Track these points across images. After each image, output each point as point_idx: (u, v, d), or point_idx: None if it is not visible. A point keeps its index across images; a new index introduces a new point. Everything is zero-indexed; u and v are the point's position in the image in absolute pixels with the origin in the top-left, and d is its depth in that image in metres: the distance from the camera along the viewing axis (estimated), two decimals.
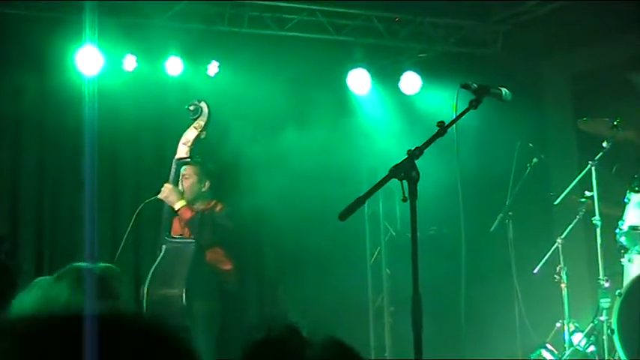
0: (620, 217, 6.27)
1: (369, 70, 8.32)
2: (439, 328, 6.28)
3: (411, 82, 8.47)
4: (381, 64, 8.76)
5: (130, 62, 7.57)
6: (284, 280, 8.62)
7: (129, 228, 6.37)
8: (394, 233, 8.92)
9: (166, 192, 6.17)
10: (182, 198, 6.19)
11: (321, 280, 8.22)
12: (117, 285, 3.42)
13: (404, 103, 8.55)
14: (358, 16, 8.10)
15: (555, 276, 6.69)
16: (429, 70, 8.47)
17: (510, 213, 6.99)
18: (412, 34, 8.43)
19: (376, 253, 9.04)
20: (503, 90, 4.24)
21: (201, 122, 6.28)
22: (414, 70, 8.50)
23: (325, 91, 8.23)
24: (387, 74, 8.69)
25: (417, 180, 3.63)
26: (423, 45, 8.63)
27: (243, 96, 7.75)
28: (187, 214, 6.15)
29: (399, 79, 8.48)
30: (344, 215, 3.49)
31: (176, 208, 6.16)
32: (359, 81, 8.30)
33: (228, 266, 6.37)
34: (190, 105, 6.33)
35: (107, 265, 3.63)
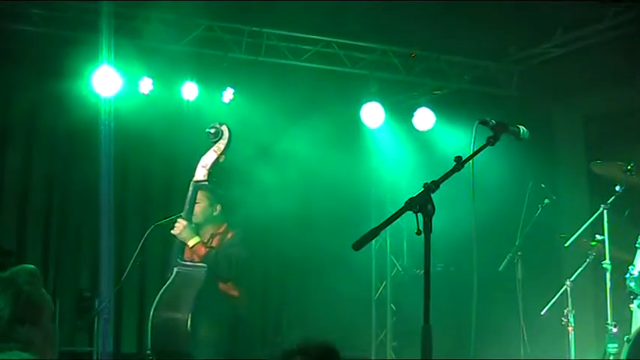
0: (631, 262, 6.21)
1: (382, 104, 8.34)
2: None
3: (424, 117, 8.48)
4: (395, 99, 8.79)
5: (146, 85, 7.60)
6: (287, 310, 8.57)
7: (137, 250, 6.34)
8: (400, 269, 8.88)
9: (180, 228, 6.12)
10: (196, 234, 6.15)
11: (325, 312, 8.17)
12: (29, 286, 3.27)
13: (416, 138, 8.57)
14: (374, 50, 8.14)
15: (563, 319, 6.61)
16: (443, 107, 8.49)
17: (520, 253, 6.93)
18: (427, 70, 8.47)
19: (381, 287, 8.98)
20: (522, 128, 4.22)
21: (220, 145, 6.23)
22: (428, 106, 8.52)
23: (339, 123, 8.25)
24: (400, 109, 8.73)
25: (433, 214, 3.60)
26: (438, 82, 8.66)
27: (256, 124, 7.76)
28: (202, 251, 6.11)
29: (412, 115, 8.50)
30: (358, 245, 3.45)
31: (190, 245, 6.12)
32: (372, 114, 8.32)
33: (235, 292, 6.33)
34: (211, 128, 6.28)
35: (24, 266, 3.47)
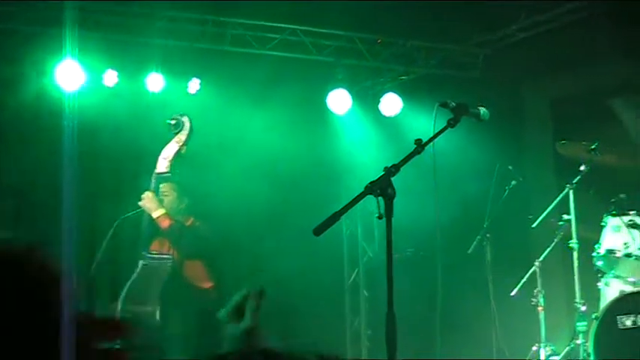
0: (597, 241, 6.28)
1: (349, 91, 8.34)
2: (415, 349, 6.25)
3: (391, 103, 8.49)
4: (362, 85, 8.79)
5: (110, 77, 7.54)
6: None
7: (105, 242, 6.31)
8: (372, 255, 8.90)
9: (146, 200, 6.13)
10: (161, 206, 6.14)
11: (298, 301, 8.16)
12: None
13: (384, 123, 8.57)
14: (340, 37, 8.13)
15: (532, 299, 6.67)
16: (410, 92, 8.50)
17: (488, 235, 6.98)
18: (394, 55, 8.47)
19: (354, 274, 9.00)
20: (481, 109, 4.25)
21: (182, 137, 6.24)
22: (395, 92, 8.53)
23: (306, 110, 8.24)
24: (367, 95, 8.73)
25: (393, 197, 3.61)
26: (405, 67, 8.66)
27: (223, 114, 7.74)
28: (166, 223, 6.11)
29: (379, 101, 8.50)
30: (319, 230, 3.47)
31: (155, 216, 6.10)
32: (339, 101, 8.31)
33: (208, 284, 6.32)
34: (172, 119, 6.29)
35: None
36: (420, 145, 3.87)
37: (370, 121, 8.69)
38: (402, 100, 8.49)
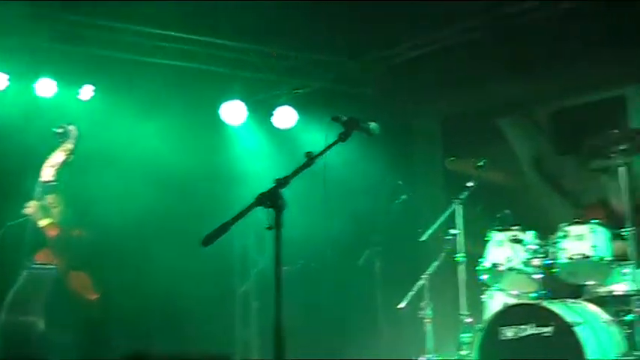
0: (483, 255, 6.46)
1: (245, 102, 8.34)
2: None
3: (285, 116, 8.56)
4: (257, 98, 8.81)
5: (1, 81, 7.33)
6: (150, 314, 8.42)
7: None
8: (263, 266, 8.90)
9: (33, 209, 5.99)
10: (48, 215, 6.01)
11: (187, 311, 8.08)
12: None
13: (278, 136, 8.61)
14: (236, 49, 8.12)
15: (420, 311, 6.81)
16: (305, 105, 8.57)
17: (378, 248, 7.09)
18: (289, 69, 8.52)
19: (245, 285, 8.99)
20: (372, 124, 4.32)
21: (68, 146, 6.13)
22: (290, 105, 8.59)
23: (199, 119, 8.19)
24: (262, 107, 8.75)
25: (283, 209, 3.64)
26: (300, 80, 8.72)
27: (115, 121, 7.62)
28: (53, 232, 5.98)
29: (273, 113, 8.55)
30: (207, 241, 3.47)
31: (41, 225, 5.97)
32: (234, 112, 8.31)
33: (93, 295, 6.21)
34: (58, 128, 6.17)
35: None
36: (311, 158, 3.92)
37: (264, 133, 8.72)
38: (297, 113, 8.55)
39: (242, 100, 8.34)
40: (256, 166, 8.46)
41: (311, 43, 8.17)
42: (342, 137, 4.15)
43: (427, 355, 6.69)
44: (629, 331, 5.93)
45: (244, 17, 7.31)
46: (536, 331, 5.75)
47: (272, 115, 8.54)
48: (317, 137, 7.79)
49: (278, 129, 8.58)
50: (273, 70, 8.46)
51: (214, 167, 8.41)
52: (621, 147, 6.06)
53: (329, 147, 4.06)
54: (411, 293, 6.86)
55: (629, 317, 5.98)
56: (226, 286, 8.84)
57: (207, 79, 8.15)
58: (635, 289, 5.87)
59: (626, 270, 6.07)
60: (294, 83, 8.80)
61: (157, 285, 7.88)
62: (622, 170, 6.10)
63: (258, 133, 8.74)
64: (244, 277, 9.02)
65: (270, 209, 3.62)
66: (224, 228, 3.51)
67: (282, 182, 3.67)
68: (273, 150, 8.59)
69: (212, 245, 3.52)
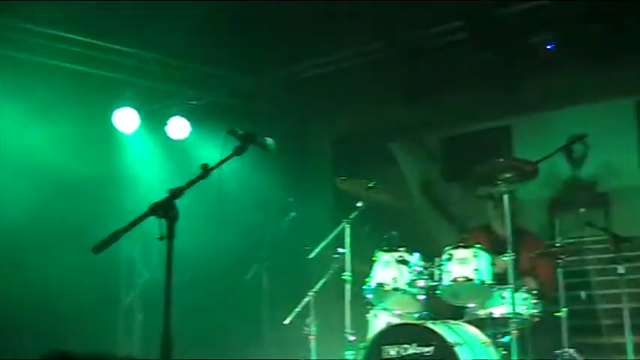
0: (369, 275, 6.55)
1: (138, 111, 8.24)
2: None
3: (178, 126, 8.50)
4: (151, 107, 8.70)
5: None
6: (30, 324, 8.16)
7: None
8: (149, 277, 8.77)
9: None
10: None
11: (68, 321, 7.86)
12: None
13: (170, 146, 8.54)
14: (133, 56, 8.02)
15: (305, 328, 6.84)
16: (199, 117, 8.53)
17: (266, 264, 7.10)
18: (186, 80, 8.47)
19: (130, 297, 8.83)
20: (269, 140, 4.36)
21: None
22: (184, 116, 8.54)
23: (91, 125, 8.03)
24: (156, 116, 8.65)
25: (176, 219, 3.62)
26: (195, 92, 8.68)
27: (4, 123, 7.38)
28: None
29: (167, 123, 8.48)
30: (98, 248, 3.41)
31: None
32: (127, 120, 8.20)
33: None
34: None
35: None
36: (206, 170, 3.91)
37: (157, 143, 8.62)
38: (191, 124, 8.51)
39: (135, 107, 8.23)
40: (147, 174, 8.35)
41: (209, 56, 8.15)
42: (238, 151, 4.17)
43: None
44: (504, 352, 6.15)
45: (145, 25, 7.23)
46: (418, 351, 5.88)
47: (166, 124, 8.46)
48: (210, 149, 7.82)
49: (171, 139, 8.51)
50: (169, 80, 8.38)
51: (105, 174, 8.25)
52: (506, 175, 6.28)
53: (224, 160, 4.07)
54: (296, 309, 6.90)
55: (506, 339, 6.20)
56: (111, 296, 8.65)
57: (102, 85, 8.00)
58: (513, 312, 6.07)
59: (505, 294, 6.29)
60: (189, 94, 8.73)
61: (37, 293, 7.65)
62: (506, 198, 6.32)
63: (151, 142, 8.63)
64: (129, 287, 8.86)
65: (162, 219, 3.59)
66: (116, 236, 3.47)
67: (176, 193, 3.65)
68: (166, 160, 8.50)
69: (98, 254, 3.46)
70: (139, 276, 8.83)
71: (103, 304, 8.36)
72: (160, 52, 8.10)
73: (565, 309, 6.42)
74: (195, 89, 8.64)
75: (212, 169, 3.92)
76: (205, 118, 8.48)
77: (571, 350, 6.28)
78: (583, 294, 7.05)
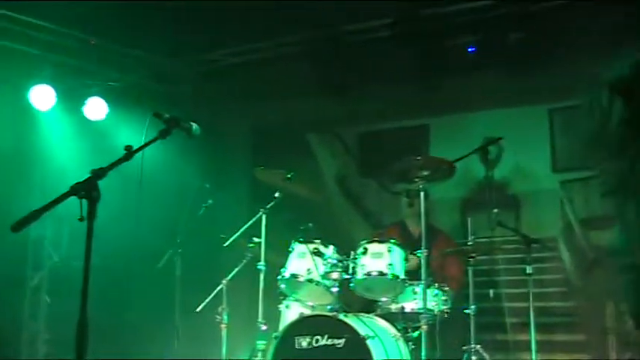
0: (284, 265, 6.57)
1: (55, 88, 8.04)
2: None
3: (96, 107, 8.33)
4: (68, 85, 8.50)
5: None
6: None
7: None
8: (58, 260, 8.58)
9: None
10: None
11: None
12: None
13: (87, 126, 8.37)
14: (52, 32, 7.81)
15: (217, 316, 6.82)
16: (118, 99, 8.38)
17: (180, 250, 7.03)
18: (106, 60, 8.30)
19: (37, 279, 8.62)
20: (194, 125, 4.32)
21: None
22: (102, 96, 8.38)
23: (7, 100, 7.80)
24: (73, 95, 8.45)
25: (98, 200, 3.56)
26: (115, 73, 8.52)
27: None
28: None
29: (84, 102, 8.31)
30: (17, 227, 3.31)
31: None
32: (43, 97, 7.99)
33: None
34: None
35: None
36: (130, 152, 3.85)
37: (73, 122, 8.43)
38: (109, 105, 8.36)
39: (52, 85, 8.02)
40: (61, 153, 8.16)
41: (130, 38, 8.00)
42: (163, 134, 4.11)
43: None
44: (413, 346, 6.26)
45: (66, 1, 7.05)
46: (330, 342, 5.93)
47: (83, 104, 8.28)
48: (126, 132, 7.70)
49: (88, 119, 8.33)
50: (88, 60, 8.20)
51: (17, 150, 8.02)
52: (423, 173, 6.38)
53: (149, 143, 4.01)
54: (209, 298, 6.87)
55: (415, 333, 6.32)
56: (17, 277, 8.43)
57: (19, 60, 7.76)
58: (424, 307, 6.18)
59: (417, 289, 6.40)
60: (108, 75, 8.57)
61: None
62: (422, 195, 6.42)
63: (67, 121, 8.43)
64: (37, 269, 8.65)
65: (83, 200, 3.52)
66: (35, 215, 3.37)
67: (98, 173, 3.58)
68: (81, 140, 8.32)
69: (5, 235, 3.38)
70: (48, 258, 8.63)
71: (8, 286, 8.13)
72: (79, 29, 7.90)
73: (474, 306, 6.58)
74: (114, 70, 8.47)
75: (136, 151, 3.85)
76: (123, 100, 8.34)
77: (478, 347, 6.45)
78: (491, 292, 7.22)
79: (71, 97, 8.40)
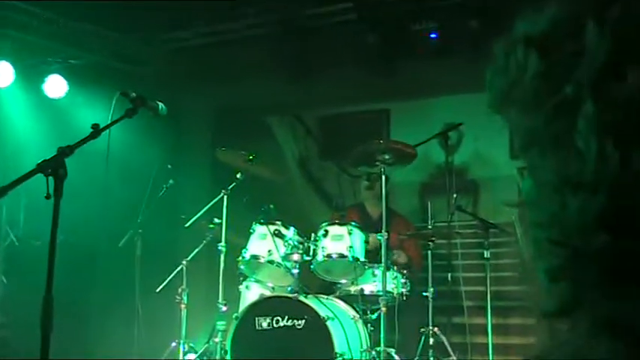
0: (245, 246, 6.60)
1: (14, 65, 7.93)
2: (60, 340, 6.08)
3: (56, 85, 8.25)
4: (28, 62, 8.39)
5: None
6: None
7: None
8: (14, 239, 8.48)
9: None
10: None
11: None
12: None
13: (46, 104, 8.28)
14: (12, 8, 7.69)
15: (177, 297, 6.83)
16: (78, 77, 8.30)
17: (140, 230, 7.02)
18: (67, 37, 8.20)
19: None
20: (160, 104, 4.34)
21: None
22: (63, 74, 8.29)
23: None
24: (33, 72, 8.35)
25: (64, 178, 3.57)
26: (76, 51, 8.43)
27: None
28: None
29: (44, 80, 8.22)
30: None
31: None
32: (1, 74, 7.88)
33: None
34: None
35: None
36: (97, 131, 3.85)
37: (32, 100, 8.33)
38: (69, 84, 8.28)
39: (11, 62, 7.91)
40: (21, 131, 8.06)
41: (92, 15, 7.91)
42: (129, 113, 4.13)
43: (180, 340, 6.72)
44: (372, 328, 6.35)
45: None
46: (290, 323, 5.98)
47: (43, 82, 8.19)
48: (87, 110, 7.64)
49: (47, 97, 8.24)
50: (49, 37, 8.09)
51: None
52: (385, 157, 6.44)
53: (116, 121, 4.03)
54: (169, 278, 6.88)
55: (374, 316, 6.40)
56: None
57: None
58: (383, 289, 6.26)
59: (377, 272, 6.48)
60: (68, 53, 8.47)
61: None
62: (383, 179, 6.48)
63: (25, 98, 8.33)
64: None
65: (50, 177, 3.52)
66: (1, 192, 3.36)
67: (66, 151, 3.58)
68: (41, 117, 8.23)
69: None
70: (4, 237, 8.52)
71: None
72: (40, 6, 7.79)
73: (432, 289, 6.68)
74: (75, 48, 8.37)
75: (103, 129, 3.87)
76: (84, 78, 8.25)
77: (435, 329, 6.55)
78: (449, 276, 7.33)
79: (30, 75, 8.30)
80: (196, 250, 7.03)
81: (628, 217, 0.76)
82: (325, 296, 6.44)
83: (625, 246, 0.77)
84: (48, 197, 3.51)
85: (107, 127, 3.92)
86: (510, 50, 0.84)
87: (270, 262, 6.46)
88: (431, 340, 6.53)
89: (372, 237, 6.65)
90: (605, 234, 0.78)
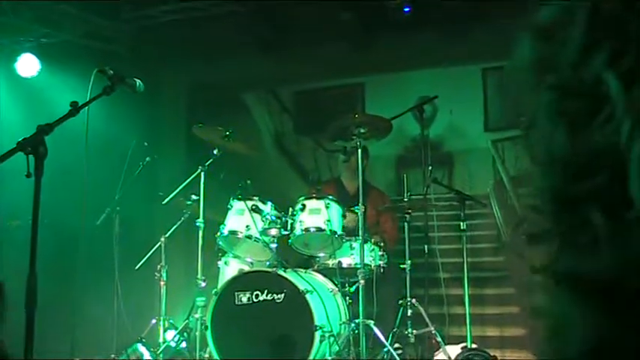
0: (222, 222, 6.62)
1: None
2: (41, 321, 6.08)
3: (28, 64, 8.20)
4: (0, 41, 8.32)
5: None
6: None
7: None
8: None
9: None
10: None
11: None
12: None
13: (18, 83, 8.23)
14: None
15: (156, 273, 6.85)
16: (50, 56, 8.24)
17: (118, 208, 7.01)
18: (38, 17, 8.14)
19: None
20: (138, 81, 4.35)
21: None
22: (34, 53, 8.24)
23: None
24: (5, 52, 8.28)
25: (45, 156, 3.57)
26: (48, 30, 8.36)
27: None
28: None
29: (16, 59, 8.17)
30: None
31: None
32: None
33: None
34: None
35: None
36: (76, 108, 3.85)
37: (4, 78, 8.28)
38: (41, 63, 8.23)
39: None
40: None
41: None
42: (108, 91, 4.14)
43: (160, 317, 6.75)
44: (350, 301, 6.42)
45: None
46: (270, 297, 6.03)
47: (15, 61, 8.13)
48: (59, 89, 7.59)
49: (19, 76, 8.19)
50: (20, 16, 8.02)
51: None
52: (361, 130, 6.47)
53: (94, 98, 4.03)
54: (148, 255, 6.89)
55: (352, 288, 6.47)
56: None
57: None
58: (361, 262, 6.31)
59: (355, 245, 6.54)
60: (41, 32, 8.40)
61: None
62: (359, 152, 6.52)
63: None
64: None
65: (30, 156, 3.52)
66: None
67: (46, 129, 3.58)
68: (13, 96, 8.18)
69: None
70: None
71: None
72: None
73: (409, 262, 6.75)
74: (47, 27, 8.31)
75: (82, 107, 3.87)
76: (56, 57, 8.20)
77: (413, 300, 6.64)
78: (426, 248, 7.41)
79: (3, 54, 8.23)
80: (174, 226, 7.04)
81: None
82: (304, 270, 6.49)
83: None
84: (28, 176, 3.52)
85: (86, 104, 3.92)
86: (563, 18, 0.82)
87: (249, 237, 6.48)
88: (409, 312, 6.61)
89: (350, 215, 6.68)
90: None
